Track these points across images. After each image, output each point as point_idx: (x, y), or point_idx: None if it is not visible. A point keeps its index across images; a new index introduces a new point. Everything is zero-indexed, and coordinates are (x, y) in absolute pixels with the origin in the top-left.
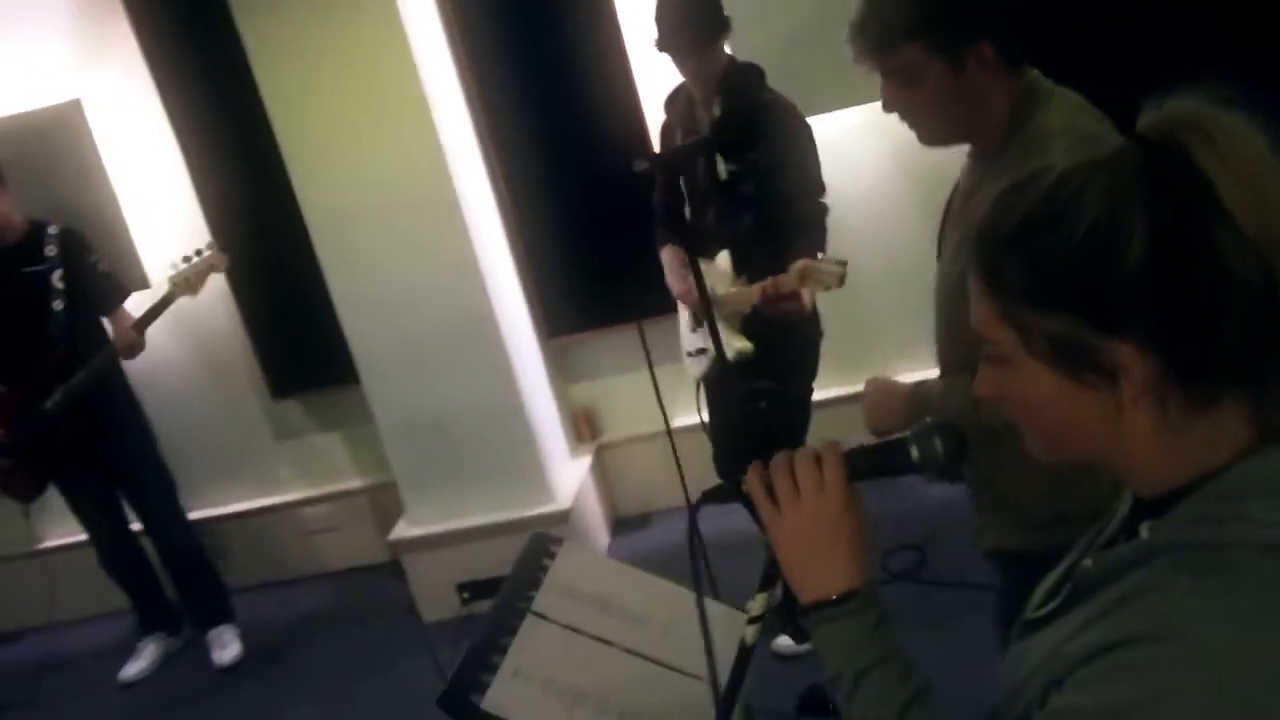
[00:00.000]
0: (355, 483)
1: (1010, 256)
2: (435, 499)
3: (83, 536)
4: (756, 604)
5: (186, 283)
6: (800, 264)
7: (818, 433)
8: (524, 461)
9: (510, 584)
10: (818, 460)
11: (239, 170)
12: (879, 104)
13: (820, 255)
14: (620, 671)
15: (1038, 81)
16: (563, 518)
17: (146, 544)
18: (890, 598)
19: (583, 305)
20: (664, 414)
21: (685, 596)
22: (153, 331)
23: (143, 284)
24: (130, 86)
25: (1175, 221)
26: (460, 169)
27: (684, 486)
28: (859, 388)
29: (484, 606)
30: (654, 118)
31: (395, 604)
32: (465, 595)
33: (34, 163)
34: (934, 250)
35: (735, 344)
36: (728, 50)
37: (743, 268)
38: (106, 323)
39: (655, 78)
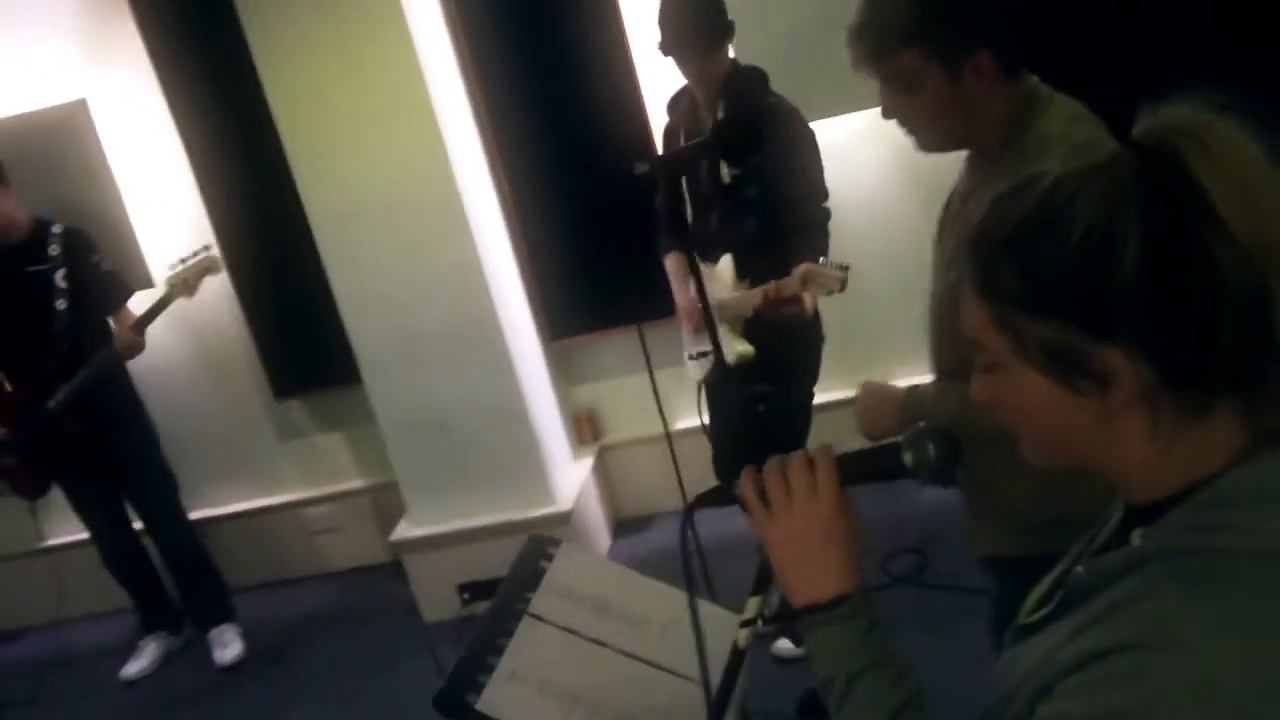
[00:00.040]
0: (357, 483)
1: (1004, 262)
2: (437, 500)
3: (87, 534)
4: (750, 607)
5: (184, 284)
6: (802, 268)
7: (818, 436)
8: (526, 463)
9: (507, 585)
10: (810, 464)
11: (243, 170)
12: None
13: (822, 260)
14: (616, 674)
15: (1037, 88)
16: (564, 519)
17: (148, 543)
18: (891, 601)
19: (585, 307)
20: (663, 418)
21: (683, 599)
22: (155, 331)
23: (146, 283)
24: (135, 87)
25: (1169, 228)
26: (464, 170)
27: (682, 489)
28: None
29: (485, 607)
30: (657, 120)
31: (396, 604)
32: (466, 596)
33: (39, 162)
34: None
35: (736, 347)
36: (731, 54)
37: (745, 271)
38: (111, 322)
39: (659, 80)
